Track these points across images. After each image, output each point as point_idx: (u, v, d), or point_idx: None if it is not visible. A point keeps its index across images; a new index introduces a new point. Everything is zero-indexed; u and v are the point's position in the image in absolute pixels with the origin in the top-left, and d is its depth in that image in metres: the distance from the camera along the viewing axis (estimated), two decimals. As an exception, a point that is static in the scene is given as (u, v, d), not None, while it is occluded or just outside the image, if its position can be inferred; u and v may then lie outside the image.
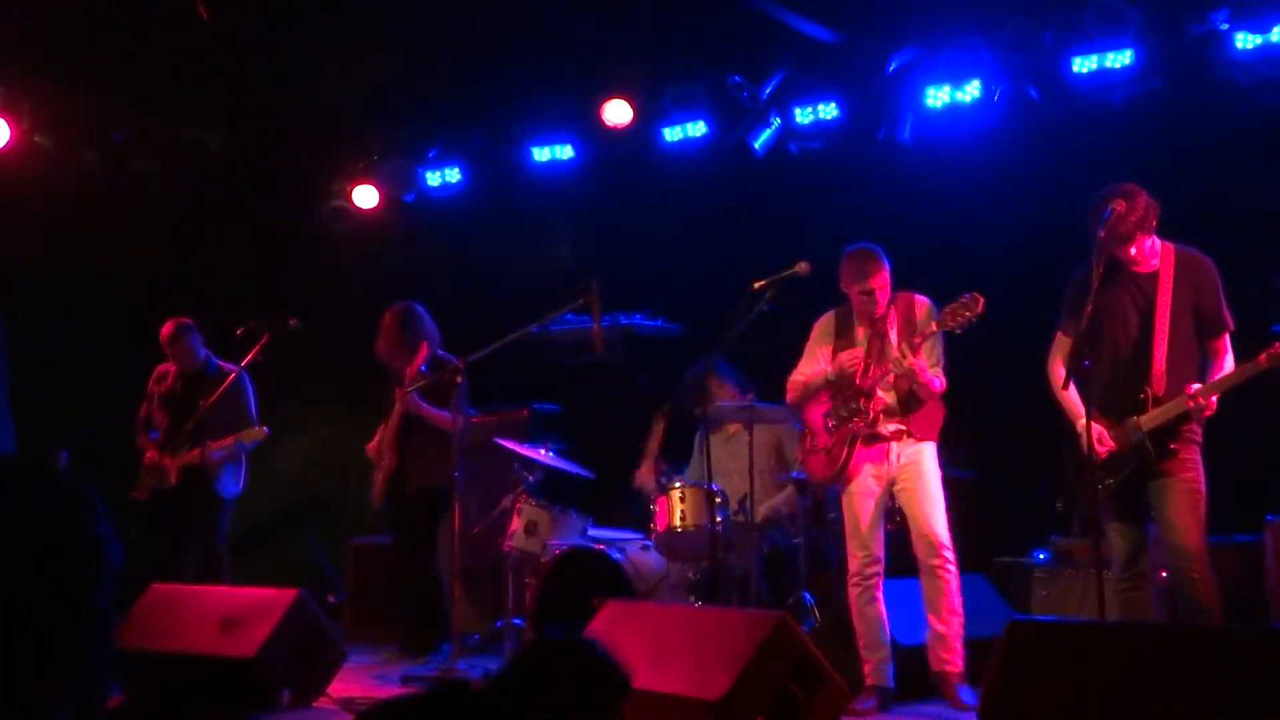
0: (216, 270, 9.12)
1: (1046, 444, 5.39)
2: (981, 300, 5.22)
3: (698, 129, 8.05)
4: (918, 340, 5.43)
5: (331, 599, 8.18)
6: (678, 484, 6.70)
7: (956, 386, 5.61)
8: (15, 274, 8.67)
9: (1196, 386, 4.81)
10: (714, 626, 4.86)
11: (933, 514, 5.49)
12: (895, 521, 5.78)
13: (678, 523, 6.54)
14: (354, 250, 9.29)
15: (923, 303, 5.64)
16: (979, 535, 6.41)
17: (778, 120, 7.81)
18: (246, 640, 5.53)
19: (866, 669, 5.55)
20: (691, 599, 6.59)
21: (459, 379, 6.47)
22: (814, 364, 5.82)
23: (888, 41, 7.49)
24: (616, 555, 6.64)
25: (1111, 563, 5.08)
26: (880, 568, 5.60)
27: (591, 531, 7.12)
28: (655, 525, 6.66)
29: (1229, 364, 4.90)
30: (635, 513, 7.48)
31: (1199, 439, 4.89)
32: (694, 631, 4.88)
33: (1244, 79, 6.54)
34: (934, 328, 5.41)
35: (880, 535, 5.63)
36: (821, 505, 6.77)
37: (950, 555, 5.48)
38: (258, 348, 7.38)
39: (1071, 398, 5.05)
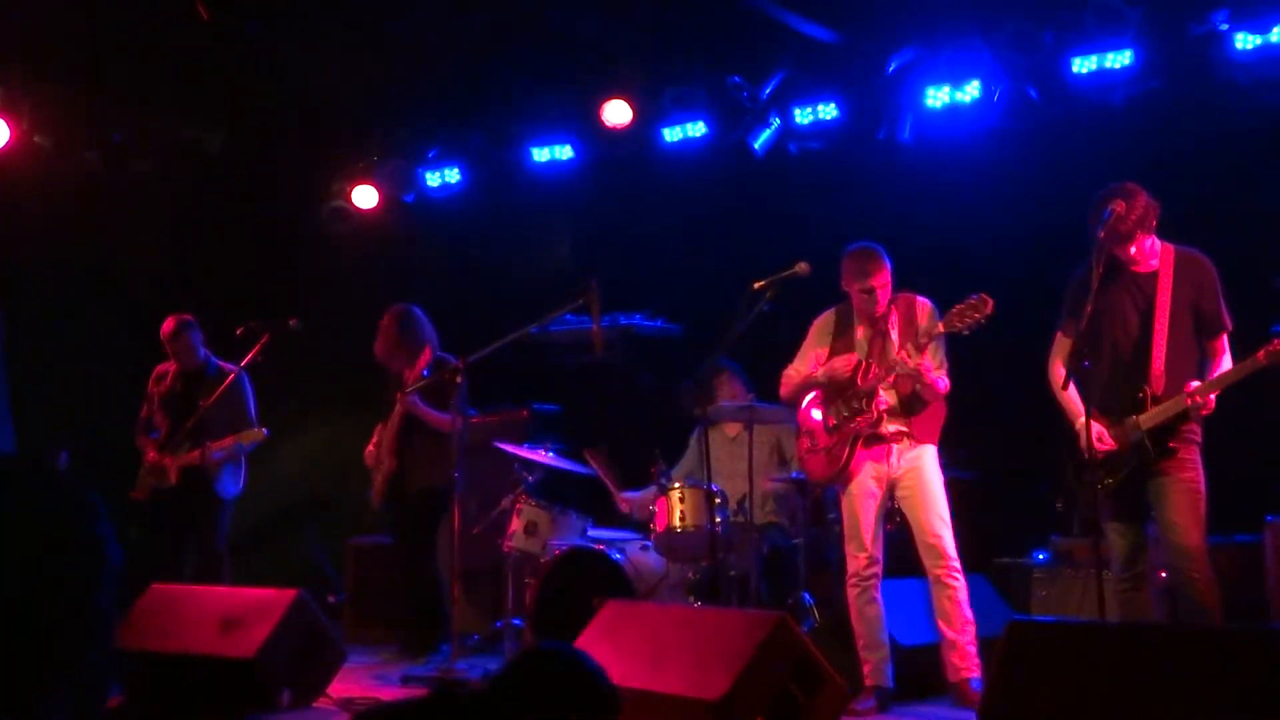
0: (216, 270, 9.12)
1: (1046, 444, 5.38)
2: (990, 302, 5.18)
3: (697, 129, 8.05)
4: (924, 341, 5.40)
5: (331, 599, 8.18)
6: (677, 484, 6.70)
7: (956, 387, 5.61)
8: (15, 274, 8.66)
9: (1195, 384, 4.81)
10: (714, 627, 4.85)
11: (937, 521, 5.47)
12: (895, 522, 5.76)
13: (677, 523, 6.54)
14: (354, 250, 9.30)
15: (924, 304, 5.63)
16: (979, 535, 6.40)
17: (777, 120, 7.82)
18: (246, 640, 5.53)
19: (866, 669, 5.55)
20: (691, 599, 6.58)
21: (459, 379, 6.47)
22: (806, 364, 5.83)
23: (887, 41, 7.49)
24: (616, 555, 6.64)
25: (1111, 563, 5.07)
26: (879, 568, 5.60)
27: (591, 532, 7.12)
28: (655, 525, 6.66)
29: (1227, 364, 4.90)
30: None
31: (1198, 439, 4.89)
32: (694, 632, 4.87)
33: (1244, 79, 6.54)
34: (940, 329, 5.36)
35: (880, 536, 5.62)
36: (821, 505, 6.77)
37: (957, 563, 5.46)
38: (258, 348, 7.37)
39: (1071, 398, 5.04)
